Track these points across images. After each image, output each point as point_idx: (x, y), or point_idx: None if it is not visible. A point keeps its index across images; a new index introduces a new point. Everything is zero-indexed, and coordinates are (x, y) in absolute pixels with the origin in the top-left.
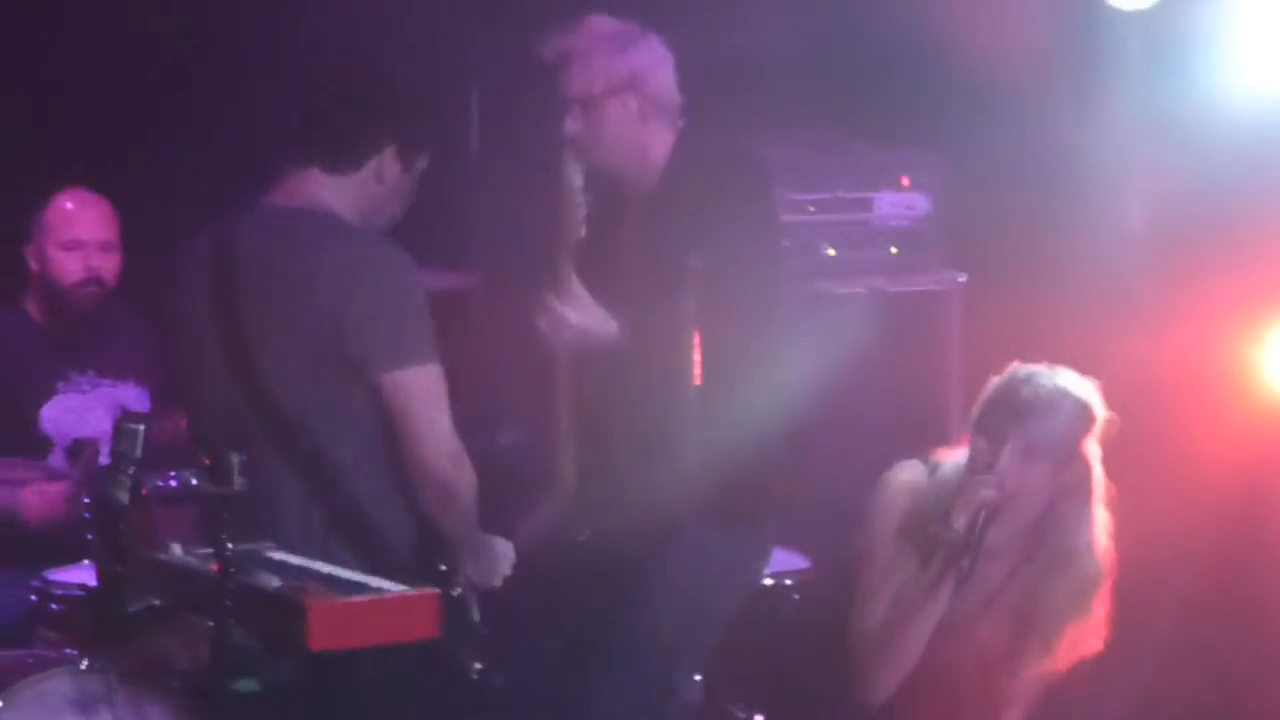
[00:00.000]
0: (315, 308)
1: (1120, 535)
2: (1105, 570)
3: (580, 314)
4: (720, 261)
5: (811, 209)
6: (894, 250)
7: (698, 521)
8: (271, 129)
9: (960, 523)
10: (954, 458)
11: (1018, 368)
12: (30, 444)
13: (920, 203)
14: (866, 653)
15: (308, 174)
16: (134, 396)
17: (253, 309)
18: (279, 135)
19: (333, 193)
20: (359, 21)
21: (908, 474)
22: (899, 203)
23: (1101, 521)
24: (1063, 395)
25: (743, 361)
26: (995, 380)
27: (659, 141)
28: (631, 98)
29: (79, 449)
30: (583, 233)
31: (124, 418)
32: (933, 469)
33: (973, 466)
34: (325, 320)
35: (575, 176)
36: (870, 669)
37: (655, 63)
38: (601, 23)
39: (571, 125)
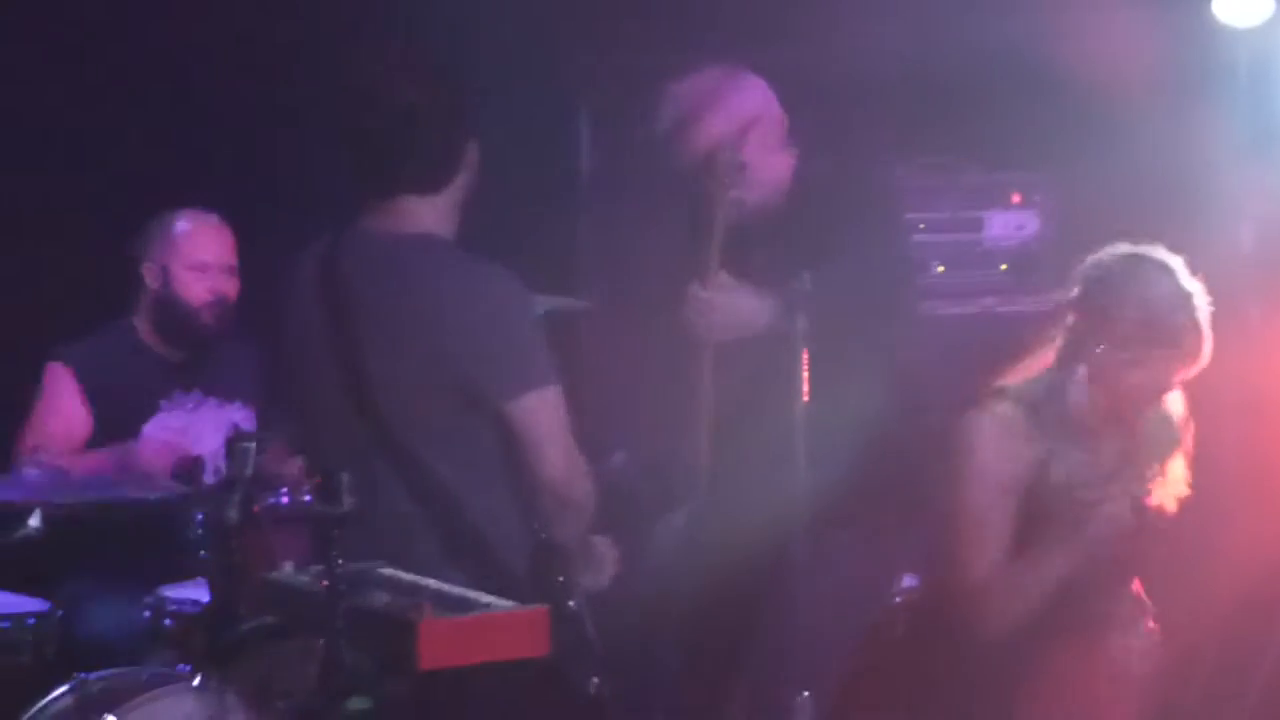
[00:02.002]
0: (429, 338)
1: (1229, 554)
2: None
3: (729, 296)
4: (830, 282)
5: (922, 228)
6: (1004, 269)
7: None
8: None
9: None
10: (1031, 376)
11: (1152, 278)
12: None
13: (1031, 222)
14: (981, 604)
15: (399, 200)
16: (241, 416)
17: (364, 335)
18: (357, 173)
19: (429, 211)
20: (467, 44)
21: (998, 424)
22: (1010, 222)
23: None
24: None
25: (850, 381)
26: (1137, 293)
27: (786, 166)
28: (762, 129)
29: (186, 467)
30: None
31: (236, 436)
32: (1020, 401)
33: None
34: (440, 350)
35: (720, 190)
36: (991, 618)
37: (771, 96)
38: (715, 71)
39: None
